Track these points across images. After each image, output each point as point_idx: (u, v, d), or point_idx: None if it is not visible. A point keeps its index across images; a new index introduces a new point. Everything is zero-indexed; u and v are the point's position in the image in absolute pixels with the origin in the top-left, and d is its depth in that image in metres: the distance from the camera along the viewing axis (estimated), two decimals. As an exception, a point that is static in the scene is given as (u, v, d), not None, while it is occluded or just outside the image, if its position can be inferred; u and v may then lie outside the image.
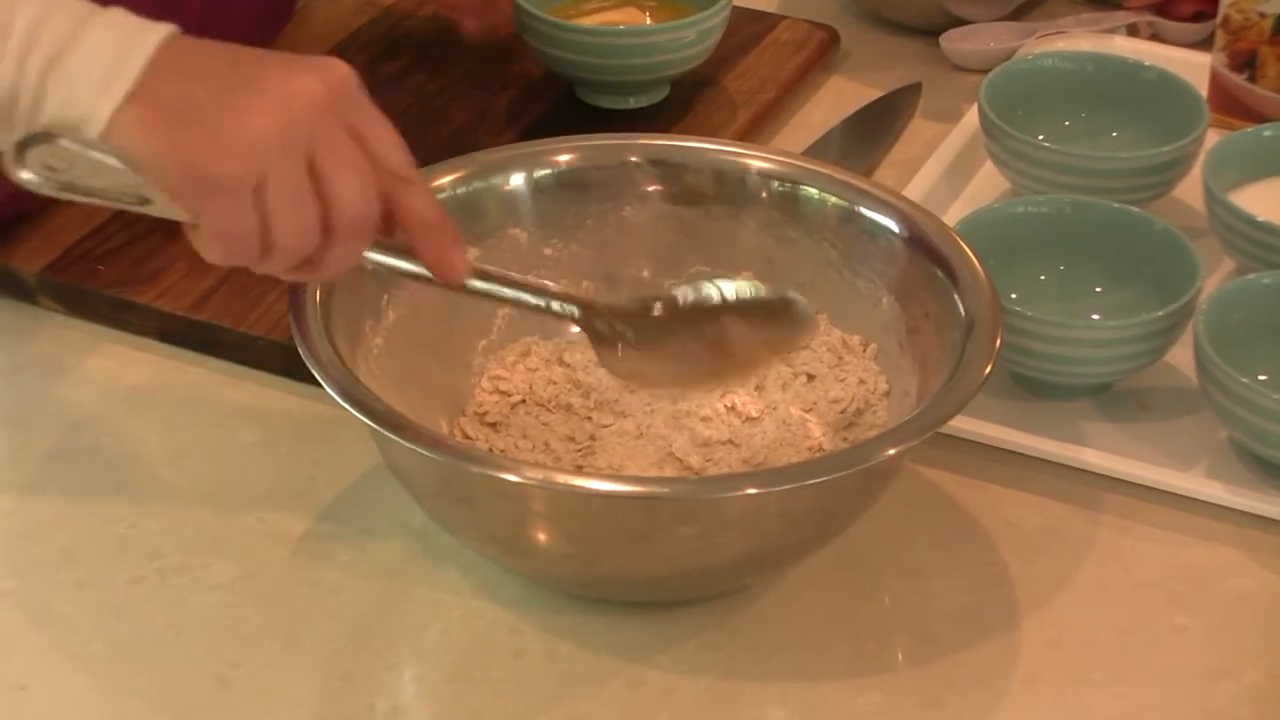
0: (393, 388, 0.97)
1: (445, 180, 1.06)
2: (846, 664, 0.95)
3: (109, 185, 0.87)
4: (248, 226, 0.87)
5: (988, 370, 0.94)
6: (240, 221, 0.87)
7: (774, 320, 1.00)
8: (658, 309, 0.99)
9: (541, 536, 0.93)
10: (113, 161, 0.86)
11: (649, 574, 0.93)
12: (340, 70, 0.89)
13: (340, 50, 1.34)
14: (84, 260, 1.16)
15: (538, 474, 0.89)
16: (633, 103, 1.31)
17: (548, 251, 1.08)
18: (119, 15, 0.88)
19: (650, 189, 1.08)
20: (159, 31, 0.88)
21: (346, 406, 0.91)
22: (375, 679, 0.94)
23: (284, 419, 1.08)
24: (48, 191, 0.87)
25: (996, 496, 1.04)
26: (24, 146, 0.86)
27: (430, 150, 1.21)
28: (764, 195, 1.07)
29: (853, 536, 0.98)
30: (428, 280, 0.93)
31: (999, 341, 0.96)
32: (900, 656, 0.95)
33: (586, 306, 0.97)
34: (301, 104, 0.87)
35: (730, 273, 1.07)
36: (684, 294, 1.00)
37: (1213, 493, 1.03)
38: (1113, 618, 0.97)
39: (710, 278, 1.03)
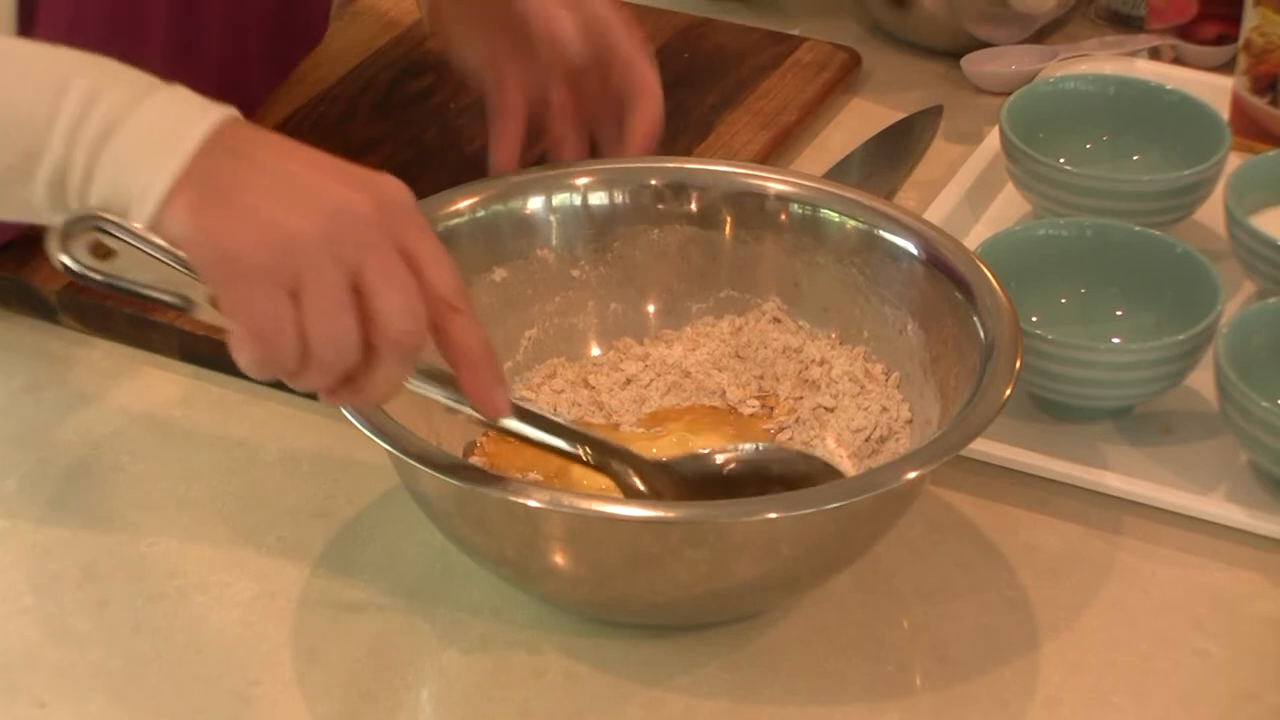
0: (415, 406, 0.97)
1: (466, 203, 1.06)
2: (866, 687, 0.94)
3: (153, 280, 0.85)
4: (281, 327, 0.83)
5: (1008, 393, 0.94)
6: (272, 319, 0.83)
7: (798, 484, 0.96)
8: (688, 470, 0.97)
9: (553, 560, 0.93)
10: (153, 248, 0.84)
11: (673, 598, 0.93)
12: (394, 188, 0.86)
13: (362, 70, 1.35)
14: (106, 279, 1.16)
15: (545, 497, 0.89)
16: None
17: (575, 274, 1.08)
18: (179, 93, 0.87)
19: (674, 212, 1.08)
20: (218, 112, 0.86)
21: (358, 425, 0.91)
22: (395, 698, 0.94)
23: (304, 438, 1.08)
24: (90, 282, 0.84)
25: (1016, 519, 1.03)
26: (70, 230, 0.84)
27: (451, 171, 1.22)
28: (785, 219, 1.07)
29: (872, 559, 0.98)
30: (466, 415, 0.91)
31: (1019, 364, 0.96)
32: (919, 679, 0.95)
33: (616, 455, 0.95)
34: (350, 216, 0.84)
35: (758, 297, 1.08)
36: (729, 457, 0.97)
37: (1233, 516, 1.03)
38: (1134, 641, 0.97)
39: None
